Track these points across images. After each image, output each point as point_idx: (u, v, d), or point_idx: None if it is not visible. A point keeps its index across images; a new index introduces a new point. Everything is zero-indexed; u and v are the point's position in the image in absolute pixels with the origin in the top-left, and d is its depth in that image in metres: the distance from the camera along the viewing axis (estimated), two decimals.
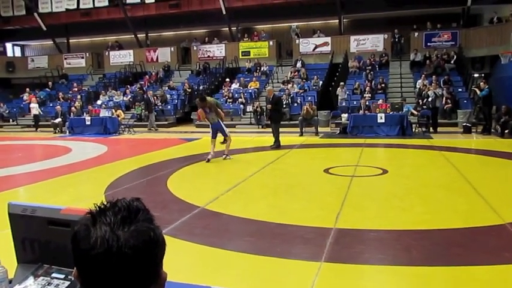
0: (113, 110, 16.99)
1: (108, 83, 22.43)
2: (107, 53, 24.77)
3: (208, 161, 8.96)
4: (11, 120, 20.98)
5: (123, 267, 0.75)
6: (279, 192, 6.52)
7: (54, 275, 1.51)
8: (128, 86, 21.57)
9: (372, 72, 18.50)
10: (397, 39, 20.04)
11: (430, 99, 14.66)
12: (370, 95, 16.53)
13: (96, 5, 23.14)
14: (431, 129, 14.01)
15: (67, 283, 1.46)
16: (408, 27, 20.05)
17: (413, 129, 13.94)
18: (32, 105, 19.39)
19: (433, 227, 4.59)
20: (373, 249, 4.15)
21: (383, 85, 17.59)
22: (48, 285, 1.47)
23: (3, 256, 1.68)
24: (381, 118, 13.59)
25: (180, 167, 8.62)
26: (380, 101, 14.64)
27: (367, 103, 14.94)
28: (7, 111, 21.33)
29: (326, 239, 4.21)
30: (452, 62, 18.38)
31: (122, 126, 16.58)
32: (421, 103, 15.13)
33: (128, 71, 23.54)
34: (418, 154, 10.06)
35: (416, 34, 19.92)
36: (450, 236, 4.38)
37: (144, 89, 20.25)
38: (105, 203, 0.81)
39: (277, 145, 10.98)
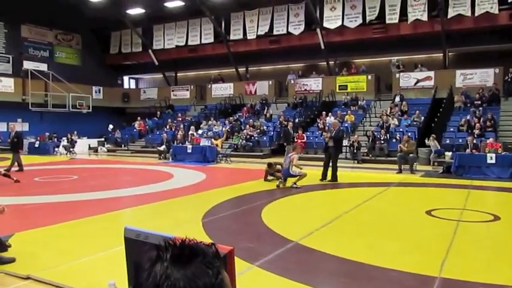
0: (212, 140, 17.83)
1: (209, 114, 23.73)
2: (209, 86, 26.37)
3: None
4: (123, 145, 23.06)
5: None
6: (377, 232, 6.22)
7: None
8: (230, 118, 22.44)
9: (480, 108, 17.17)
10: (510, 79, 18.20)
11: None
12: (479, 132, 15.31)
13: (203, 41, 24.98)
14: None
15: None
16: None
17: None
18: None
19: None
20: None
21: (492, 122, 16.20)
22: None
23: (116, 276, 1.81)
24: (491, 158, 12.46)
25: (274, 198, 8.69)
26: (490, 140, 13.47)
27: (474, 141, 13.85)
28: (120, 137, 23.54)
29: None
30: None
31: (220, 155, 17.29)
32: None
33: (227, 102, 24.74)
34: None
35: None
36: None
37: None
38: (172, 241, 0.80)
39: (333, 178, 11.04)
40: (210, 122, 22.33)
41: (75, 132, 22.69)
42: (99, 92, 27.89)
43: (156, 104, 26.96)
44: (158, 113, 25.77)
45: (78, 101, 24.91)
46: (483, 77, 19.10)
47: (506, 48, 18.73)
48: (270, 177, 11.41)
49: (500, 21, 18.15)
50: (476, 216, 7.14)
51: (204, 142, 17.65)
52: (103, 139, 24.32)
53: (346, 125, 18.84)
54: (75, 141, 22.34)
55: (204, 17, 24.03)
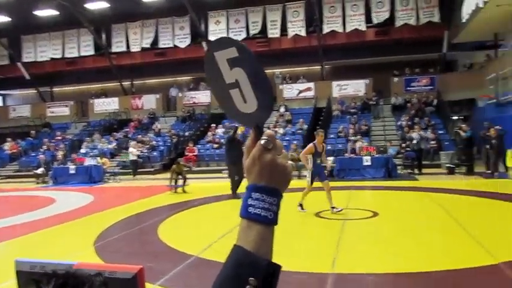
0: (98, 159, 16.81)
1: (92, 131, 22.34)
2: (91, 101, 24.84)
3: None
4: None
5: None
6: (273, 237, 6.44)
7: None
8: (115, 134, 21.39)
9: (355, 116, 18.92)
10: (375, 102, 20.10)
11: (414, 141, 14.98)
12: (355, 138, 16.81)
13: (82, 53, 23.51)
14: (416, 171, 14.23)
15: None
16: (388, 72, 20.80)
17: (399, 171, 14.13)
18: (130, 149, 17.94)
19: (427, 269, 4.58)
20: None
21: (366, 127, 17.95)
22: None
23: None
24: (366, 161, 13.77)
25: (169, 214, 8.49)
26: (365, 144, 14.89)
27: (353, 146, 15.16)
28: None
29: (324, 285, 4.15)
30: (434, 104, 18.96)
31: (107, 175, 16.36)
32: (404, 145, 15.44)
33: (112, 118, 23.57)
34: (405, 196, 10.15)
35: (396, 79, 20.66)
36: (445, 278, 4.37)
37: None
38: (55, 272, 0.72)
39: (232, 194, 9.91)
40: (94, 137, 21.00)
41: None
42: None
43: (30, 122, 24.51)
44: (33, 132, 23.42)
45: None
46: (356, 87, 21.12)
47: (374, 61, 21.03)
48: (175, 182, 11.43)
49: (368, 38, 20.46)
50: (358, 213, 7.83)
51: (88, 161, 16.56)
52: None
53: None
54: None
55: (82, 27, 22.62)
